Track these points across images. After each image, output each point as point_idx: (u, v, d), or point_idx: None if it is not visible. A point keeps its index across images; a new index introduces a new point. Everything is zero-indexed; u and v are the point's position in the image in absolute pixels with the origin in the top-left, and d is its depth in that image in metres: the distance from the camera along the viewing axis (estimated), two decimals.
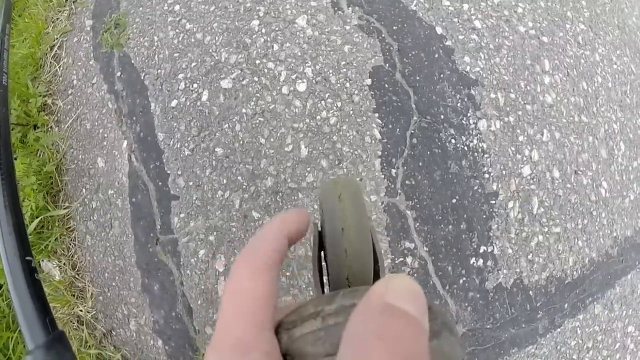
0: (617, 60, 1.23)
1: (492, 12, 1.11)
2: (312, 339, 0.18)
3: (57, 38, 1.34)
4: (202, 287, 0.92)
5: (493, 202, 0.97)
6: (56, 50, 1.33)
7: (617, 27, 1.28)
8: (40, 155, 1.21)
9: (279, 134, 0.94)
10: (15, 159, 1.15)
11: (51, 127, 1.24)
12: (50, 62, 1.32)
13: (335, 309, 0.19)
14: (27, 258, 0.65)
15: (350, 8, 1.05)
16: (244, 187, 0.93)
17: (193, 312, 0.94)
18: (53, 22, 1.39)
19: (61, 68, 1.30)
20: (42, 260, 1.11)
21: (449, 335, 0.18)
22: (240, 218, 0.92)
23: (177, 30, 1.10)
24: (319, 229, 0.30)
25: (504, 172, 0.99)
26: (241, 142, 0.95)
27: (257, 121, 0.95)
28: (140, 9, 1.18)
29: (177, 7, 1.13)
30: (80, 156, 1.14)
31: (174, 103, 1.02)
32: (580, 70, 1.15)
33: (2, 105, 0.91)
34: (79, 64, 1.24)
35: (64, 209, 1.13)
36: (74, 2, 1.36)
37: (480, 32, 1.08)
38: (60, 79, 1.29)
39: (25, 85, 1.29)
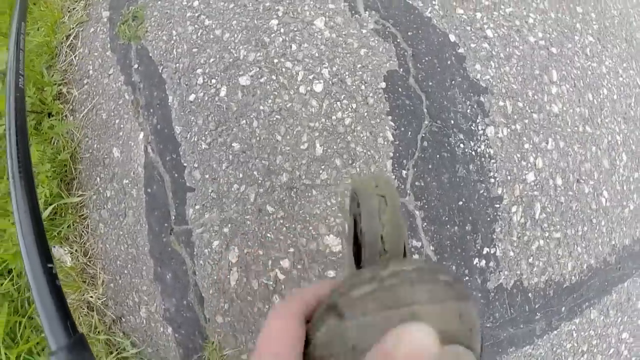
0: (623, 73, 1.26)
1: (503, 22, 1.14)
2: (371, 298, 0.22)
3: (72, 28, 1.35)
4: (215, 277, 0.95)
5: (497, 206, 1.00)
6: (72, 40, 1.34)
7: (624, 40, 1.32)
8: (54, 143, 1.23)
9: (295, 132, 0.97)
10: (30, 145, 1.17)
11: (66, 115, 1.26)
12: (66, 52, 1.34)
13: (389, 273, 0.22)
14: (49, 265, 0.67)
15: (367, 12, 1.07)
16: (260, 181, 0.95)
17: (204, 301, 0.97)
18: (69, 11, 1.40)
19: (77, 58, 1.31)
20: (54, 247, 1.13)
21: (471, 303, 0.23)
22: (254, 211, 0.94)
23: (195, 26, 1.12)
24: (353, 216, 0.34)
25: (509, 177, 1.02)
26: (258, 138, 0.97)
27: (274, 119, 0.98)
28: (159, 2, 1.19)
29: (196, 3, 1.15)
30: (95, 145, 1.16)
31: (192, 97, 1.04)
32: (586, 81, 1.18)
33: (19, 113, 0.84)
34: (95, 54, 1.26)
35: (78, 196, 1.15)
36: None
37: (492, 41, 1.11)
38: (76, 68, 1.30)
39: (40, 73, 1.31)
